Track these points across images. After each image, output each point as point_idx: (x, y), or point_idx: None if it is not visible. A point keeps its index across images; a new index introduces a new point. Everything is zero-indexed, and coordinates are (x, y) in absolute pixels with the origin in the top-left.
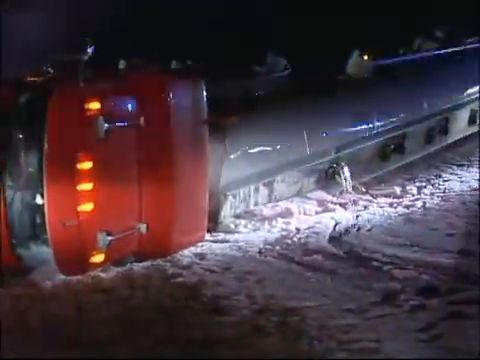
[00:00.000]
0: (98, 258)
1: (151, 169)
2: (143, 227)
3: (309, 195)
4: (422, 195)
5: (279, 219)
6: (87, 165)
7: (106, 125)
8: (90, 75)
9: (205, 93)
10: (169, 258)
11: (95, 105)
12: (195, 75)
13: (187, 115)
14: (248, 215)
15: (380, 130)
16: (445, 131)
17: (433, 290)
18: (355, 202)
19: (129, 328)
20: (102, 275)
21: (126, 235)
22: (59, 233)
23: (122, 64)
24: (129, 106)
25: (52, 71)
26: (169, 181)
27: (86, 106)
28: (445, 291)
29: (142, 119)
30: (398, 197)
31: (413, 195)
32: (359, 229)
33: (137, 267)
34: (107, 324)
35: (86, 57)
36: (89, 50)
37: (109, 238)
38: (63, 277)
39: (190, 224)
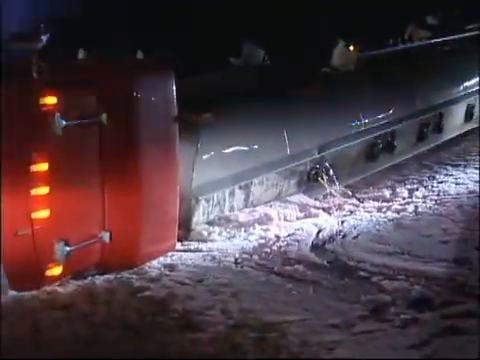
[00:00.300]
0: (55, 271)
1: (115, 171)
2: (106, 236)
3: (289, 199)
4: (414, 198)
5: (257, 225)
6: (42, 167)
7: (64, 122)
8: (45, 66)
9: (175, 87)
10: (135, 270)
11: (51, 100)
12: (164, 67)
13: (155, 111)
14: (223, 221)
15: (367, 127)
16: (439, 128)
17: (426, 303)
18: (340, 206)
19: (93, 347)
20: (60, 290)
21: (87, 245)
22: (10, 243)
23: (82, 54)
24: (90, 101)
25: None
26: (135, 184)
27: (41, 101)
28: (439, 304)
29: (104, 115)
30: (387, 201)
31: (404, 198)
32: (344, 236)
33: (99, 280)
34: (67, 344)
35: (41, 45)
36: (44, 38)
37: (67, 248)
38: (15, 293)
39: (159, 232)
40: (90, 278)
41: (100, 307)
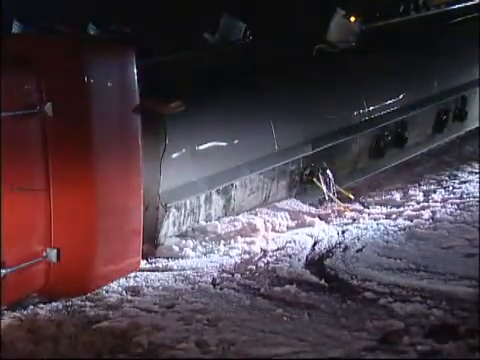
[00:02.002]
0: None
1: (64, 174)
2: (53, 254)
3: (278, 205)
4: (431, 202)
5: (239, 238)
6: None
7: None
8: None
9: (137, 70)
10: (90, 296)
11: None
12: (123, 45)
13: (113, 100)
14: (198, 233)
15: (372, 116)
16: (462, 116)
17: (448, 331)
18: (340, 213)
19: None
20: None
21: (28, 266)
22: None
23: (18, 28)
24: (30, 87)
25: None
26: (89, 190)
27: None
28: (464, 332)
29: (49, 105)
30: (398, 205)
31: (418, 202)
32: (346, 249)
33: (44, 310)
34: None
35: None
36: None
37: (2, 271)
38: None
39: (119, 248)
40: (32, 307)
41: (44, 344)
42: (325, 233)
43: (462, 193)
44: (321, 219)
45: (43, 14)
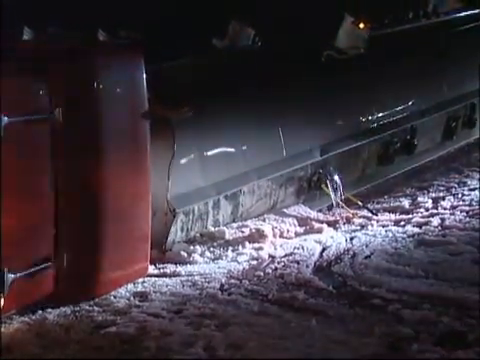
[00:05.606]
0: None
1: (72, 179)
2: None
3: (287, 211)
4: (440, 209)
5: (247, 244)
6: None
7: (6, 119)
8: None
9: (146, 76)
10: (98, 300)
11: None
12: (132, 51)
13: (121, 105)
14: (206, 239)
15: (381, 123)
16: (471, 122)
17: (457, 338)
18: (348, 220)
19: None
20: (1, 328)
21: (37, 271)
22: None
23: (28, 33)
24: (40, 93)
25: None
26: (97, 195)
27: None
28: (474, 339)
29: (58, 111)
30: (407, 212)
31: (427, 209)
32: (354, 256)
33: (52, 315)
34: None
35: None
36: None
37: (11, 276)
38: None
39: (127, 253)
40: (40, 312)
41: (52, 349)
42: (333, 239)
43: (471, 200)
44: (329, 225)
45: (53, 20)
